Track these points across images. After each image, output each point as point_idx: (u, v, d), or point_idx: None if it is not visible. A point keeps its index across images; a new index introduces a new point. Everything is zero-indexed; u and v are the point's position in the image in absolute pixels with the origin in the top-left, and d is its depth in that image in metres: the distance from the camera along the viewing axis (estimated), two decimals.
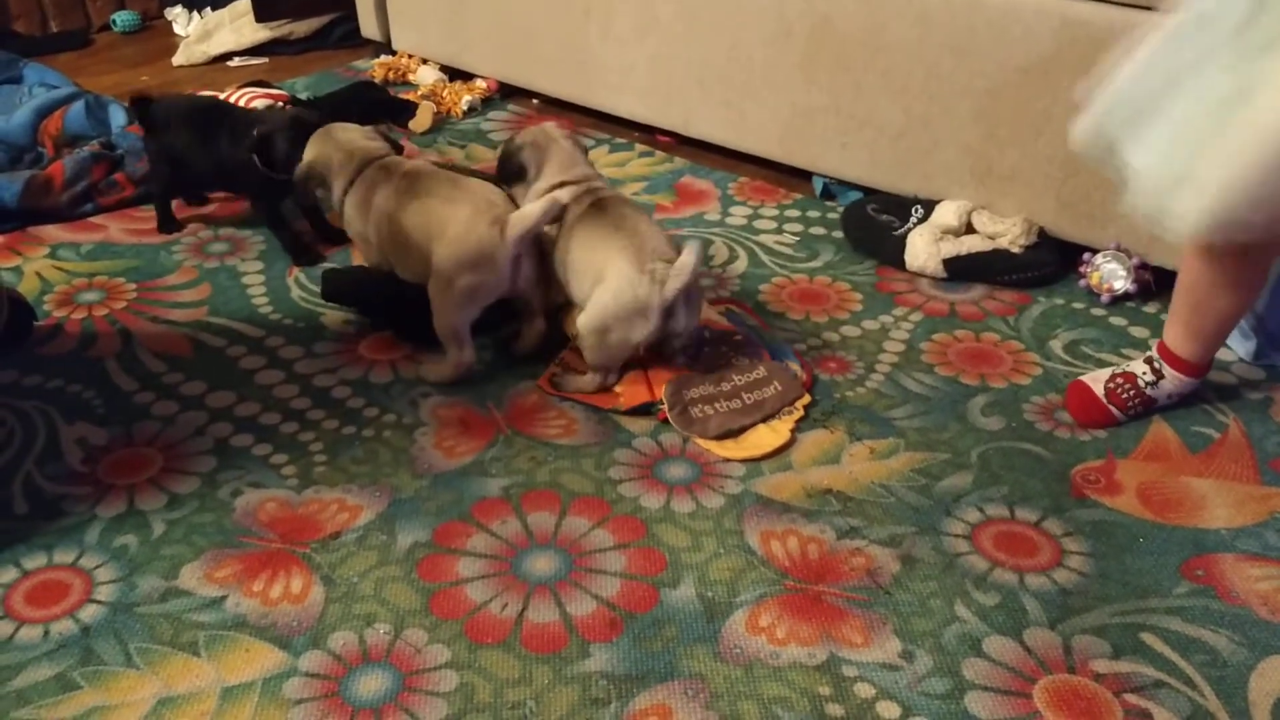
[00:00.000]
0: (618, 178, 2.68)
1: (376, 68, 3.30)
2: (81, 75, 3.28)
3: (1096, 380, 1.81)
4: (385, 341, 2.04)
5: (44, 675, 1.38)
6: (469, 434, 1.80)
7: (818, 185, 2.59)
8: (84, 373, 1.96)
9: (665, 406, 1.81)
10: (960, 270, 2.20)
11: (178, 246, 2.38)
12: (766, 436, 1.78)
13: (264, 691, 1.35)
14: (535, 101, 3.13)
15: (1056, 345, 2.02)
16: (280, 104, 2.90)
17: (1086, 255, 2.19)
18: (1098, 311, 2.12)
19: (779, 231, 2.43)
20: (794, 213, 2.51)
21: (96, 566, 1.55)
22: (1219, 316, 1.69)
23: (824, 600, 1.48)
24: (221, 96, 2.91)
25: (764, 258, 2.32)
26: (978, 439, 1.78)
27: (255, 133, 2.20)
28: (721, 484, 1.68)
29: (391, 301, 2.03)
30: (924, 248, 2.21)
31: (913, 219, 2.29)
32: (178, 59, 3.55)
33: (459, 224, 1.85)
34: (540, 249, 1.94)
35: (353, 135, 2.07)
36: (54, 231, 2.44)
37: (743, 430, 1.79)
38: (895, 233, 2.27)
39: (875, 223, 2.31)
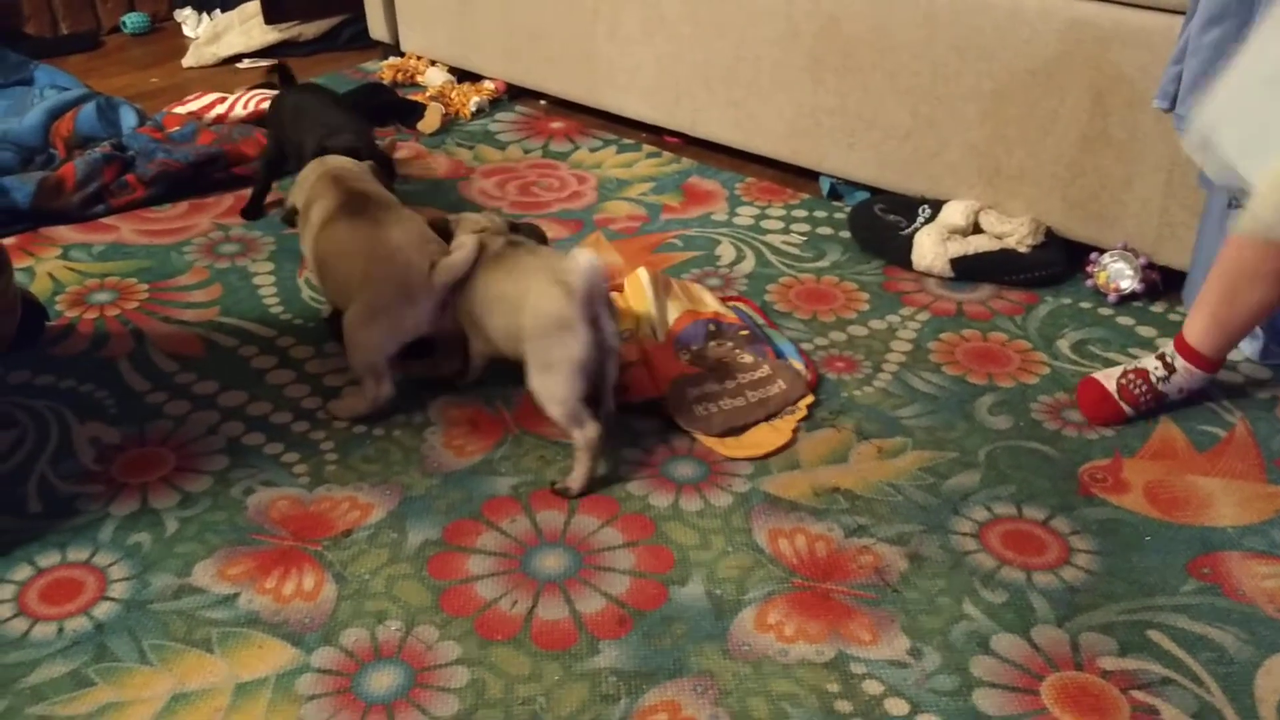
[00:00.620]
0: (625, 178, 2.69)
1: (385, 69, 3.31)
2: (92, 77, 3.30)
3: (1109, 377, 1.82)
4: None
5: (58, 672, 1.39)
6: (478, 433, 1.81)
7: (825, 185, 2.60)
8: (96, 373, 1.97)
9: (669, 404, 1.82)
10: (967, 270, 2.21)
11: (189, 247, 2.40)
12: (768, 435, 1.79)
13: (277, 688, 1.36)
14: (543, 102, 3.14)
15: (1064, 345, 2.02)
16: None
17: (1094, 255, 2.19)
18: (1105, 311, 2.12)
19: (786, 231, 2.44)
20: (801, 213, 2.51)
21: (110, 564, 1.56)
22: (1249, 309, 1.68)
23: (832, 598, 1.48)
24: (230, 98, 2.94)
25: (771, 258, 2.33)
26: (985, 438, 1.79)
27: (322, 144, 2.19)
28: (730, 482, 1.69)
29: None
30: (931, 247, 2.22)
31: (920, 219, 2.30)
32: (187, 61, 3.56)
33: (386, 252, 1.80)
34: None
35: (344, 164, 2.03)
36: (66, 232, 2.46)
37: (746, 428, 1.80)
38: (902, 233, 2.28)
39: (882, 223, 2.32)
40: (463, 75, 3.25)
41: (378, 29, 3.47)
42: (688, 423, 1.79)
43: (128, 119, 2.83)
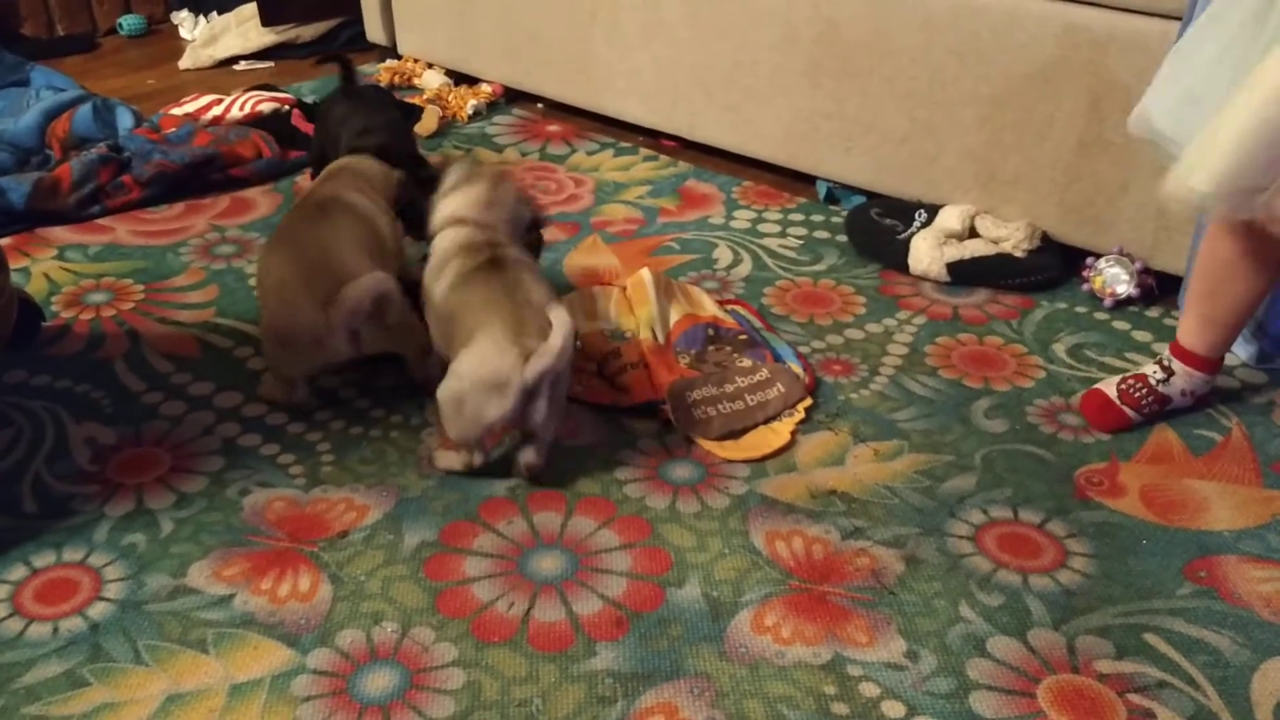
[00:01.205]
0: (622, 181, 2.69)
1: (382, 72, 3.31)
2: (88, 79, 3.30)
3: (1109, 385, 1.83)
4: None
5: (53, 672, 1.39)
6: None
7: (821, 190, 2.60)
8: (92, 373, 1.97)
9: (668, 407, 1.82)
10: (963, 274, 2.21)
11: (185, 248, 2.39)
12: (767, 437, 1.79)
13: (272, 689, 1.36)
14: (540, 105, 3.14)
15: (1059, 349, 2.03)
16: (286, 108, 2.92)
17: (1089, 260, 2.20)
18: (1100, 316, 2.12)
19: (783, 235, 2.44)
20: (798, 217, 2.52)
21: (105, 564, 1.55)
22: (1234, 301, 1.69)
23: (829, 600, 1.48)
24: (226, 100, 2.94)
25: (768, 261, 2.33)
26: (981, 441, 1.79)
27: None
28: (726, 485, 1.69)
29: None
30: (927, 252, 2.22)
31: (916, 223, 2.30)
32: (184, 63, 3.56)
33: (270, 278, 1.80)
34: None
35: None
36: (62, 233, 2.45)
37: (745, 431, 1.80)
38: (899, 237, 2.28)
39: (879, 227, 2.33)
40: (460, 78, 3.25)
41: (375, 31, 3.47)
42: (686, 426, 1.80)
43: (124, 120, 2.83)
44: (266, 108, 2.91)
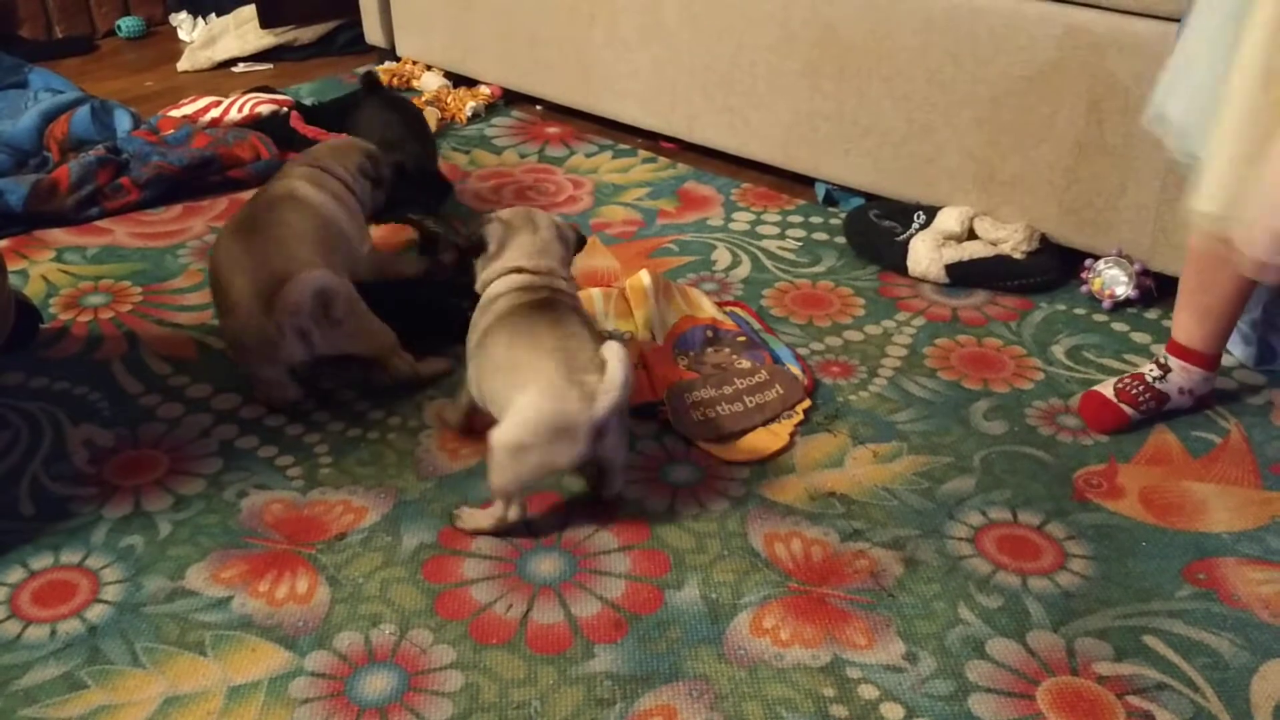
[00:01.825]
0: (621, 183, 2.69)
1: (381, 74, 3.31)
2: (86, 81, 3.29)
3: (1105, 386, 1.83)
4: None
5: (51, 674, 1.39)
6: (473, 437, 1.80)
7: (820, 191, 2.60)
8: (90, 375, 1.96)
9: (667, 408, 1.82)
10: (962, 276, 2.21)
11: (183, 250, 2.39)
12: (765, 439, 1.78)
13: (270, 691, 1.36)
14: (539, 107, 3.14)
15: (1058, 350, 2.02)
16: (284, 110, 2.92)
17: (1088, 261, 2.20)
18: (1099, 317, 2.12)
19: (782, 237, 2.44)
20: (797, 218, 2.52)
21: (103, 567, 1.55)
22: (1227, 292, 1.69)
23: (828, 602, 1.48)
24: (224, 103, 2.93)
25: (767, 263, 2.33)
26: (980, 443, 1.79)
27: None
28: (725, 487, 1.69)
29: (401, 305, 2.00)
30: (926, 253, 2.22)
31: (915, 225, 2.30)
32: (182, 65, 3.56)
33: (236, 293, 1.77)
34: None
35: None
36: (60, 235, 2.45)
37: (744, 433, 1.80)
38: (898, 238, 2.28)
39: (878, 228, 2.32)
40: (459, 80, 3.25)
41: (373, 33, 3.47)
42: (685, 428, 1.79)
43: (122, 122, 2.83)
44: (265, 110, 2.91)
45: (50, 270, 2.31)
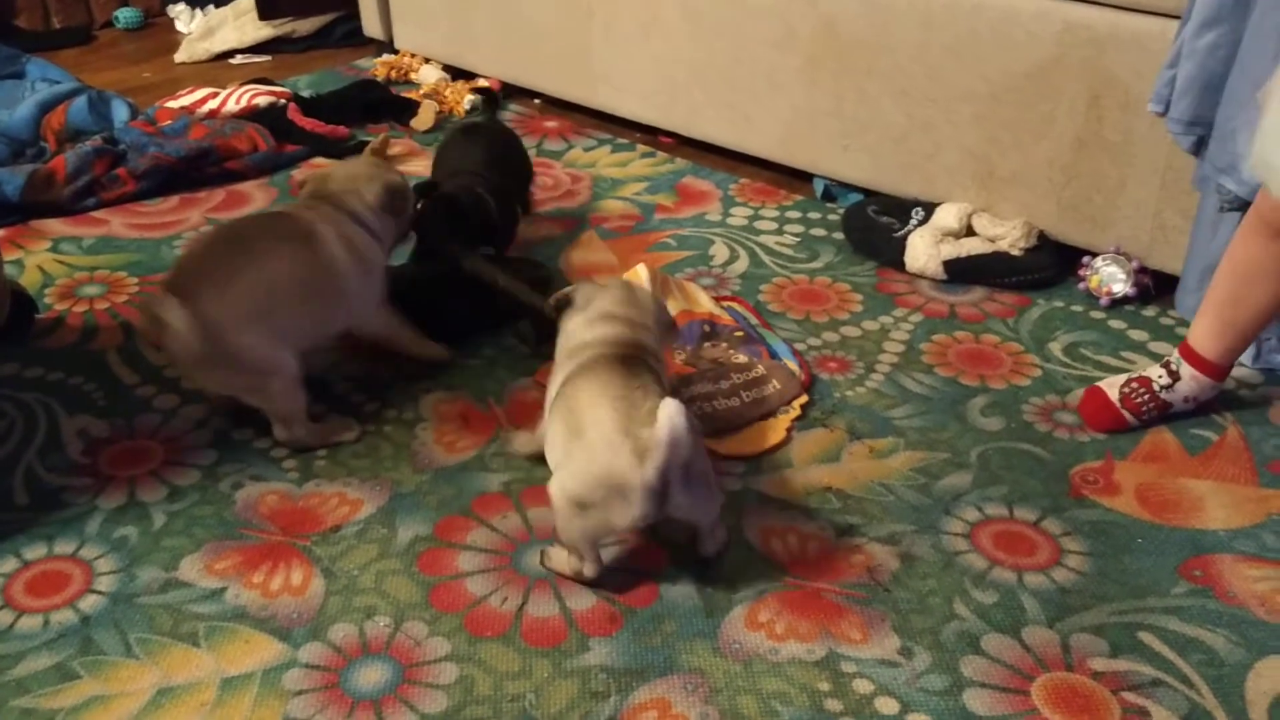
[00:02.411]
0: (619, 178, 2.68)
1: (379, 66, 3.30)
2: (83, 71, 3.28)
3: (1111, 385, 1.81)
4: None
5: (44, 664, 1.38)
6: (469, 429, 1.80)
7: (818, 187, 2.59)
8: (85, 365, 1.96)
9: None
10: (960, 272, 2.21)
11: (179, 241, 2.38)
12: (763, 434, 1.78)
13: (263, 682, 1.35)
14: (537, 101, 3.14)
15: (1056, 347, 2.02)
16: (282, 101, 2.91)
17: (1086, 258, 2.20)
18: (1097, 314, 2.12)
19: (780, 232, 2.43)
20: (795, 214, 2.51)
21: (97, 557, 1.55)
22: (1256, 308, 1.66)
23: (823, 597, 1.48)
24: (222, 94, 2.93)
25: (765, 258, 2.33)
26: (977, 439, 1.78)
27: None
28: (722, 481, 1.68)
29: (401, 305, 1.97)
30: (924, 249, 2.22)
31: (913, 221, 2.30)
32: (180, 56, 3.55)
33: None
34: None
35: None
36: (56, 225, 2.44)
37: (740, 428, 1.79)
38: (896, 234, 2.28)
39: (876, 224, 2.32)
40: (457, 73, 3.24)
41: (372, 26, 3.46)
42: None
43: (119, 113, 2.83)
44: (262, 101, 2.90)
45: (46, 260, 2.31)
